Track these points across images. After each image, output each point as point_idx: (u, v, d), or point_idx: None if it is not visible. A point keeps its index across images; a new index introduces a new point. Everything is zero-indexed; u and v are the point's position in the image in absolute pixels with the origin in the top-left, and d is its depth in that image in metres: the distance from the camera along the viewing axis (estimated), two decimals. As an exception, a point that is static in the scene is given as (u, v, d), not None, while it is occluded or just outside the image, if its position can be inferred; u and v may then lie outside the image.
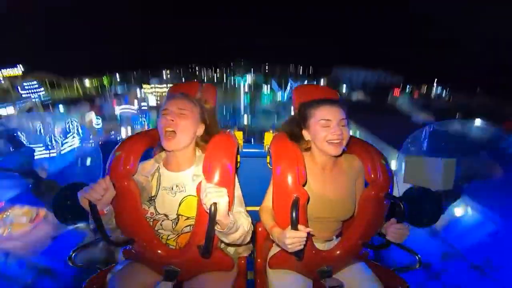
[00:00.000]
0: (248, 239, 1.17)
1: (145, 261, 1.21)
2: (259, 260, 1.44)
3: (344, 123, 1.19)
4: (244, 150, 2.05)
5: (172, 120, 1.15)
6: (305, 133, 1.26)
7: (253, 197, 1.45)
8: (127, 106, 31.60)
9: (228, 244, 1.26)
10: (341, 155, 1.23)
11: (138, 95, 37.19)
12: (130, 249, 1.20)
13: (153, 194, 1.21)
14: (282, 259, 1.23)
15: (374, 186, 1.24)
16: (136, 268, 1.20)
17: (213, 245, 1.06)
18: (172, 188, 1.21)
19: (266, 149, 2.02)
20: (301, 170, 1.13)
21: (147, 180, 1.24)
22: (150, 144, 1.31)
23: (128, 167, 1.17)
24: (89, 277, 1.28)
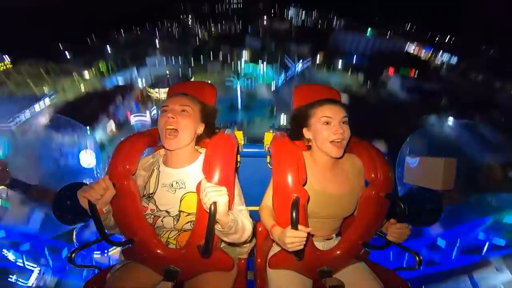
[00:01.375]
0: (249, 238, 1.16)
1: (145, 261, 1.21)
2: (259, 260, 1.44)
3: (345, 120, 1.20)
4: (244, 150, 2.04)
5: (173, 118, 1.15)
6: (306, 131, 1.26)
7: (253, 197, 1.44)
8: (139, 114, 31.78)
9: (229, 244, 1.25)
10: (342, 154, 1.23)
11: (143, 92, 36.48)
12: (130, 249, 1.19)
13: (151, 191, 1.21)
14: (282, 259, 1.22)
15: (374, 186, 1.24)
16: (136, 268, 1.20)
17: (213, 245, 1.05)
18: (172, 185, 1.20)
19: (266, 149, 2.02)
20: (301, 170, 1.13)
21: (145, 176, 1.23)
22: (150, 144, 1.31)
23: (128, 166, 1.17)
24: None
